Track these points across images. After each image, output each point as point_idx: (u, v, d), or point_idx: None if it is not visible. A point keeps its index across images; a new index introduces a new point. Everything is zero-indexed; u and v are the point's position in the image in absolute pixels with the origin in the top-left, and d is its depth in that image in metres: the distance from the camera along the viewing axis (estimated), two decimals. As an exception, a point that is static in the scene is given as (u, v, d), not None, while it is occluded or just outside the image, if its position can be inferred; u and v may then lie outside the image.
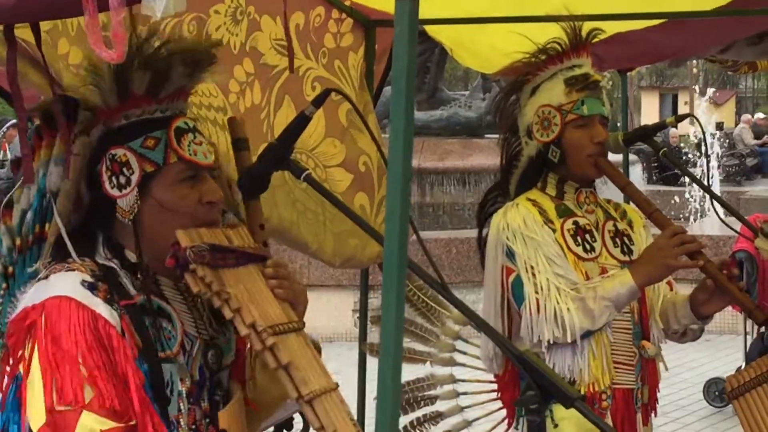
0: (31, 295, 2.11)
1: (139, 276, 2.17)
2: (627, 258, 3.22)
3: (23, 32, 2.11)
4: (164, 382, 2.14)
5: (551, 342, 3.06)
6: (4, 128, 15.79)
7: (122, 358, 2.06)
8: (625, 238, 3.27)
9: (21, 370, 2.05)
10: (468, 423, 3.87)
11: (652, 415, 3.30)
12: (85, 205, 2.21)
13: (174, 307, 2.21)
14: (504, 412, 3.53)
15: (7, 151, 18.00)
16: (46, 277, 2.12)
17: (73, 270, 2.11)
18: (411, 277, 3.72)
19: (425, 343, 3.96)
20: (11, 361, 2.09)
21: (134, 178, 2.15)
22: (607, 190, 3.42)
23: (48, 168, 2.20)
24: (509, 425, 3.44)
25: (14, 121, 15.92)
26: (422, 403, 3.94)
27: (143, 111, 2.19)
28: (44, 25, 2.32)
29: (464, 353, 3.88)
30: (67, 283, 2.09)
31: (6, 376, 2.11)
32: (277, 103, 3.43)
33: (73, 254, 2.15)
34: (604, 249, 3.21)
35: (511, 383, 3.35)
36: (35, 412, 2.01)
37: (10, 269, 2.23)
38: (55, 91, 2.17)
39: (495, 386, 3.58)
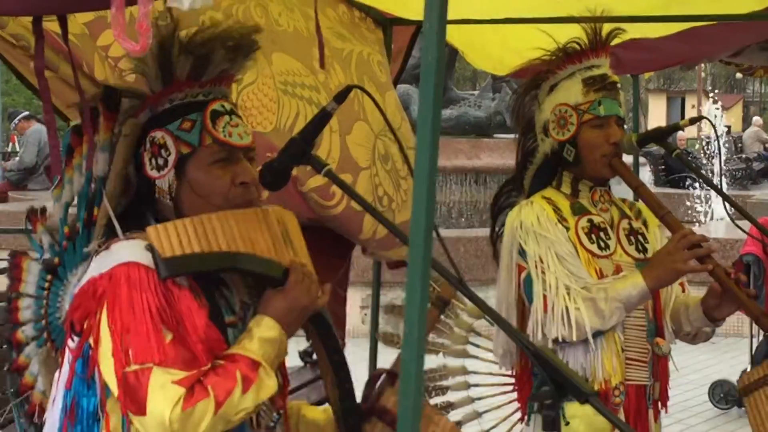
0: (96, 266, 2.14)
1: None
2: (642, 256, 3.23)
3: (55, 25, 2.15)
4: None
5: (559, 340, 3.07)
6: (16, 120, 15.82)
7: (194, 314, 2.09)
8: (640, 236, 3.28)
9: (91, 341, 2.08)
10: (478, 414, 3.88)
11: (662, 411, 3.32)
12: (133, 188, 2.27)
13: (231, 277, 2.26)
14: (515, 404, 3.54)
15: (16, 143, 18.06)
16: (107, 247, 2.15)
17: (134, 239, 2.15)
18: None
19: (438, 334, 3.97)
20: (77, 336, 2.12)
21: (171, 160, 2.21)
22: (621, 190, 3.43)
23: (95, 157, 2.26)
24: (522, 421, 3.46)
25: (26, 113, 15.95)
26: (433, 393, 3.95)
27: (186, 94, 2.24)
28: (86, 17, 2.36)
29: (477, 346, 3.89)
30: (131, 250, 2.12)
31: (71, 354, 2.14)
32: (359, 82, 3.44)
33: (119, 231, 2.19)
34: (619, 246, 3.22)
35: (527, 381, 3.35)
36: (110, 378, 2.05)
37: (56, 260, 2.28)
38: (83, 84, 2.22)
39: (507, 379, 3.60)
